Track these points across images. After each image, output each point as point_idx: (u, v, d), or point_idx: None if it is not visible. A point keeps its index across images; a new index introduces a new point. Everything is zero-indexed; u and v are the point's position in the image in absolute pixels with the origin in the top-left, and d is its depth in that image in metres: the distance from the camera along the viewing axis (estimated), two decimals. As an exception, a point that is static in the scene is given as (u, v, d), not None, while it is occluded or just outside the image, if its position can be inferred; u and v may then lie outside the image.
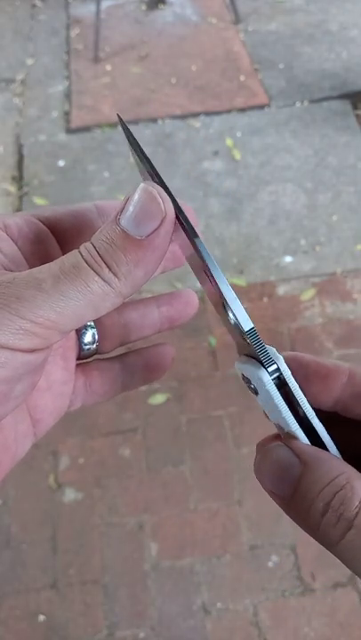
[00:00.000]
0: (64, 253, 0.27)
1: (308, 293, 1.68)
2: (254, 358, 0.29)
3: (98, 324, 0.34)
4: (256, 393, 0.30)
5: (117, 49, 2.58)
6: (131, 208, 0.26)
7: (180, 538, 1.30)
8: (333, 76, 2.35)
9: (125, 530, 1.31)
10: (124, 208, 0.26)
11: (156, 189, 0.27)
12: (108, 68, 2.50)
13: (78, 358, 0.34)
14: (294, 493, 0.26)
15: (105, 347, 0.35)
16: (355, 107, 2.22)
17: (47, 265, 0.26)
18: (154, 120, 2.25)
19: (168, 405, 1.48)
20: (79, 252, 0.26)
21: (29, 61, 2.56)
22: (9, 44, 2.66)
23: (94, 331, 0.34)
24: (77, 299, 0.25)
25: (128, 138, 0.29)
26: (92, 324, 0.34)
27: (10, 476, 1.40)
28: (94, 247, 0.26)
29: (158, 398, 1.49)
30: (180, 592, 1.24)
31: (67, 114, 2.31)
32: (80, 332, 0.34)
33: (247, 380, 0.30)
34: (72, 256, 0.26)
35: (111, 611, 1.22)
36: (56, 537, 1.31)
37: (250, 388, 0.30)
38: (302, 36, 2.57)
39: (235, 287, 1.88)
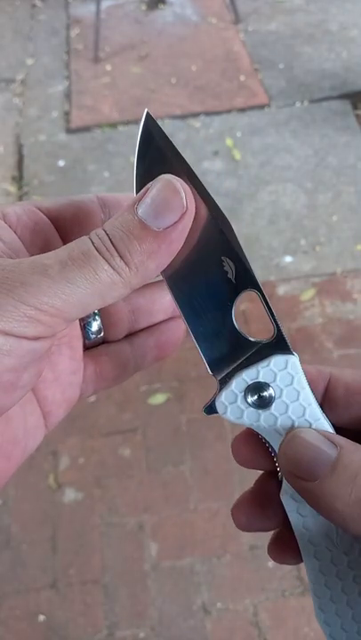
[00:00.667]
0: (65, 244, 0.26)
1: (308, 293, 1.68)
2: (274, 354, 0.29)
3: (103, 311, 0.33)
4: (266, 404, 0.29)
5: (117, 49, 2.58)
6: (150, 199, 0.25)
7: (180, 538, 1.30)
8: (333, 76, 2.35)
9: (125, 530, 1.31)
10: (143, 198, 0.26)
11: (180, 182, 0.26)
12: (108, 68, 2.50)
13: (85, 347, 0.33)
14: (332, 471, 0.27)
15: (111, 335, 0.33)
16: (355, 107, 2.22)
17: (55, 251, 0.25)
18: (154, 120, 2.24)
19: (168, 405, 1.48)
20: (89, 238, 0.25)
21: (29, 61, 2.56)
22: (9, 43, 2.66)
23: (99, 320, 0.33)
24: (84, 286, 0.24)
25: (146, 138, 0.28)
26: (97, 311, 0.33)
27: (10, 475, 1.40)
28: (107, 234, 0.25)
29: (158, 398, 1.48)
30: (180, 592, 1.24)
31: (67, 114, 2.31)
32: (85, 322, 0.33)
33: (259, 389, 0.29)
34: (82, 242, 0.25)
35: (111, 611, 1.22)
36: (56, 537, 1.31)
37: (259, 399, 0.29)
38: (302, 35, 2.57)
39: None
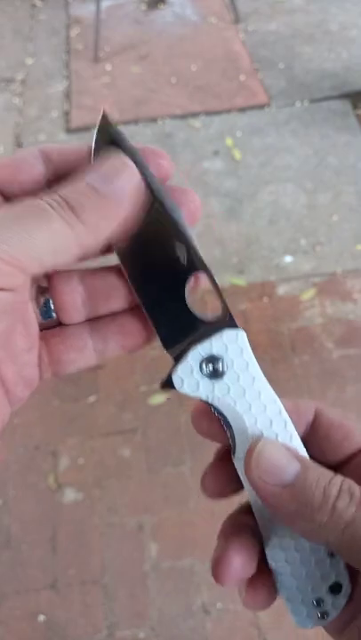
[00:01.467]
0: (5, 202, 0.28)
1: (309, 293, 1.68)
2: (224, 328, 0.30)
3: (53, 290, 0.31)
4: (220, 375, 0.30)
5: (117, 49, 2.58)
6: (98, 168, 0.27)
7: (180, 538, 1.30)
8: (333, 76, 2.35)
9: (125, 530, 1.31)
10: (91, 169, 0.28)
11: (126, 157, 0.28)
12: (108, 67, 2.50)
13: (43, 328, 0.32)
14: (303, 479, 0.28)
15: (64, 317, 0.32)
16: (355, 107, 2.22)
17: (8, 205, 0.26)
18: (154, 120, 2.25)
19: (168, 405, 1.48)
20: (40, 198, 0.26)
21: (29, 61, 2.56)
22: (9, 43, 2.66)
23: (49, 298, 0.32)
24: (39, 238, 0.25)
25: (101, 136, 0.30)
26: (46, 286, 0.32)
27: (10, 476, 1.39)
28: (58, 194, 0.26)
29: (158, 398, 1.48)
30: (180, 592, 1.24)
31: (67, 114, 2.31)
32: (38, 298, 0.32)
33: (213, 361, 0.30)
34: (33, 201, 0.26)
35: (111, 611, 1.22)
36: (56, 537, 1.31)
37: (213, 370, 0.30)
38: (302, 36, 2.57)
39: (235, 287, 1.89)
